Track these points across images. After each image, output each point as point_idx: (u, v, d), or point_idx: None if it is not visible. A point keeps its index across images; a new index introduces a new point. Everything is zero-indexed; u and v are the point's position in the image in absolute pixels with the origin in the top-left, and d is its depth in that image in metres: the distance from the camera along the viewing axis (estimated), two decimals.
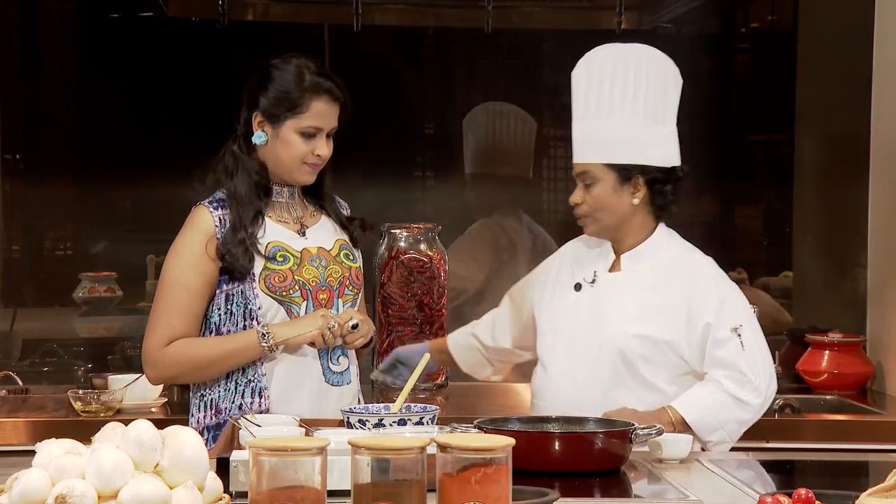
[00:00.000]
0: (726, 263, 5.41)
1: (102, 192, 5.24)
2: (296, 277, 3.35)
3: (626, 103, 3.41)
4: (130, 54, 5.23)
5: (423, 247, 4.51)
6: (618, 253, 3.49)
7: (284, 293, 3.33)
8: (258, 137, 3.38)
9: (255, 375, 3.33)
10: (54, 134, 5.37)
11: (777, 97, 5.41)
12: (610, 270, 3.49)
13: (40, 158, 5.34)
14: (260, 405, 3.32)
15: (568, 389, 3.43)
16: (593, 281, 3.48)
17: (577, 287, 3.50)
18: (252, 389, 3.34)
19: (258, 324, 3.31)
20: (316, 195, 3.50)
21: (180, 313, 3.33)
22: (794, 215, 5.38)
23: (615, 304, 3.42)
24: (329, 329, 3.29)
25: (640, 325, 3.38)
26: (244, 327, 3.32)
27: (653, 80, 3.45)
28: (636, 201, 3.42)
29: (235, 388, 3.35)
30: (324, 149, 3.37)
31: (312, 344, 3.32)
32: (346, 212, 3.57)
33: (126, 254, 5.22)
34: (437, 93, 5.28)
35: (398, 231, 4.55)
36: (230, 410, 3.33)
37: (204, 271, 3.33)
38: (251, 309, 3.32)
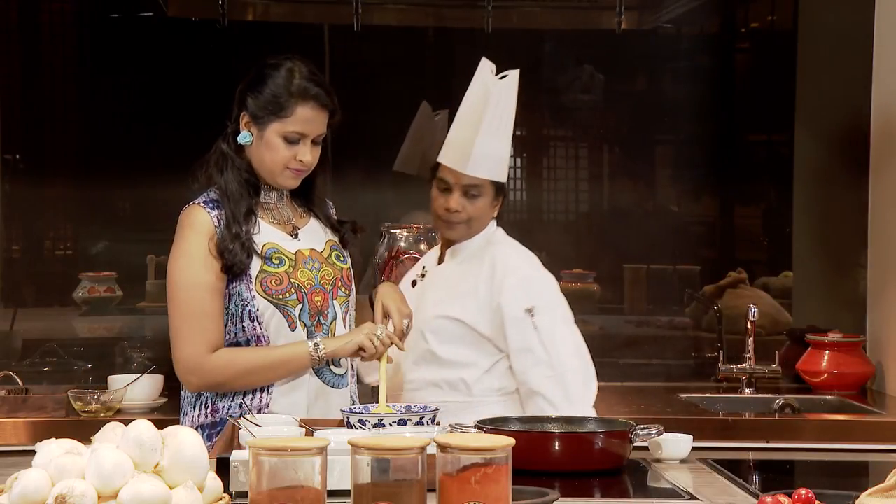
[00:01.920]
0: (726, 263, 5.47)
1: (102, 192, 5.24)
2: (291, 280, 3.34)
3: (505, 125, 3.69)
4: (130, 54, 5.22)
5: (423, 247, 4.51)
6: (444, 248, 3.78)
7: (280, 296, 3.32)
8: (243, 137, 3.36)
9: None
10: (54, 134, 5.37)
11: (777, 97, 5.41)
12: (438, 264, 3.78)
13: (40, 158, 5.34)
14: (261, 402, 3.32)
15: (398, 374, 3.68)
16: (423, 275, 3.80)
17: (413, 283, 3.82)
18: (254, 389, 3.33)
19: (259, 325, 3.31)
20: (305, 197, 3.49)
21: (210, 315, 3.28)
22: (794, 215, 5.38)
23: (430, 292, 3.71)
24: (377, 336, 3.29)
25: (443, 308, 3.64)
26: (243, 328, 3.31)
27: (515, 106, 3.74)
28: (495, 213, 3.75)
29: None
30: (307, 155, 3.34)
31: (362, 352, 3.32)
32: (332, 212, 3.56)
33: (126, 254, 5.21)
34: (437, 93, 5.28)
35: (398, 231, 4.54)
36: (228, 409, 3.32)
37: (216, 269, 3.30)
38: (249, 310, 3.31)
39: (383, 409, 3.14)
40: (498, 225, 3.77)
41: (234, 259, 3.28)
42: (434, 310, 3.64)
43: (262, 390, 3.33)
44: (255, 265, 3.32)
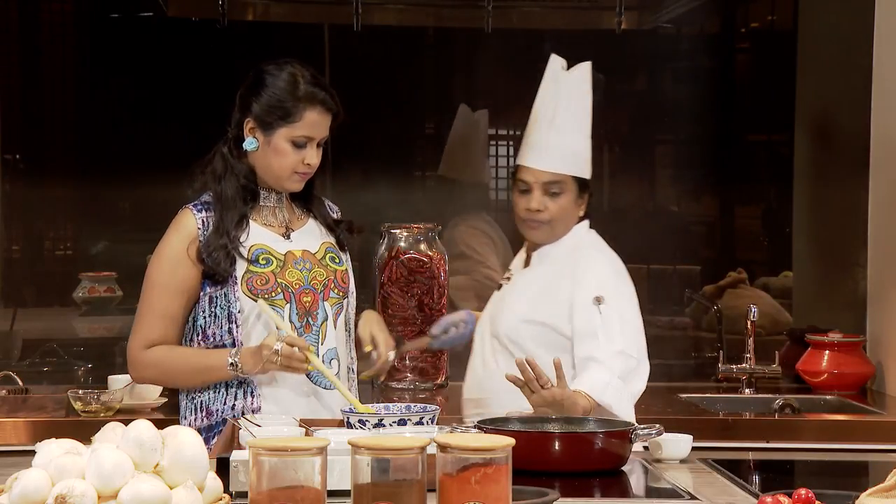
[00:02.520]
0: (726, 263, 5.47)
1: (102, 192, 5.24)
2: (278, 280, 3.33)
3: (580, 120, 3.60)
4: (130, 54, 5.23)
5: (423, 247, 4.51)
6: (530, 251, 3.68)
7: (266, 296, 3.32)
8: (249, 143, 3.36)
9: (247, 377, 3.33)
10: (54, 134, 5.38)
11: (777, 97, 5.41)
12: (523, 267, 3.69)
13: (40, 158, 5.34)
14: (253, 403, 3.31)
15: (482, 376, 3.65)
16: (509, 278, 3.72)
17: (499, 287, 3.76)
18: (244, 391, 3.33)
19: (237, 327, 3.31)
20: (304, 198, 3.48)
21: (159, 316, 3.32)
22: (794, 215, 5.39)
23: (514, 295, 3.62)
24: (277, 355, 3.20)
25: (527, 311, 3.56)
26: (228, 330, 3.31)
27: (590, 98, 3.65)
28: (581, 213, 3.62)
29: (227, 389, 3.34)
30: (314, 158, 3.34)
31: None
32: (335, 215, 3.55)
33: (126, 254, 5.21)
34: (437, 93, 5.29)
35: (398, 231, 4.54)
36: (222, 412, 3.32)
37: (185, 274, 3.32)
38: (232, 312, 3.31)
39: (359, 408, 3.12)
40: (591, 227, 3.65)
41: (216, 267, 3.29)
42: (517, 314, 3.56)
43: (251, 393, 3.33)
44: (241, 266, 3.32)
